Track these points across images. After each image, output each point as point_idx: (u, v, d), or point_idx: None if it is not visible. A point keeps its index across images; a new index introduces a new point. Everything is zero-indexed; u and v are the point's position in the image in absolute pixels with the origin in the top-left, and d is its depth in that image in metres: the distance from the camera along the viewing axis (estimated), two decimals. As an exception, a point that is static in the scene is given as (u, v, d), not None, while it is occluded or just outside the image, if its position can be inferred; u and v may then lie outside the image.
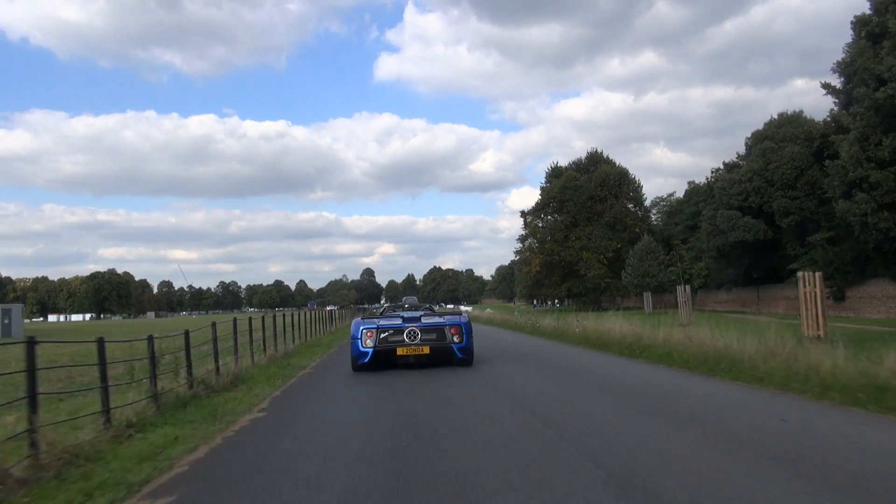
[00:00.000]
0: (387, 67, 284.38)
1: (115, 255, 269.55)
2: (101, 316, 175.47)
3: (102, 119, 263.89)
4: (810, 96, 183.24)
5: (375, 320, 14.11)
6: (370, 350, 13.15)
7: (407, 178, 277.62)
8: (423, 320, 13.90)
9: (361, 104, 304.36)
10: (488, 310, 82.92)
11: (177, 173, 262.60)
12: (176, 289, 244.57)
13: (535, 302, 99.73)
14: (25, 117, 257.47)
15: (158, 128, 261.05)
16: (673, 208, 66.31)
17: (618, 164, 68.12)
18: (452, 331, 13.42)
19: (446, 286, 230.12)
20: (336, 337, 31.20)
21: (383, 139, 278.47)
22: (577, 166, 69.88)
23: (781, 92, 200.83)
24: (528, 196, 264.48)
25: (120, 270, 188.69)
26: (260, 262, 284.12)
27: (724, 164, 52.83)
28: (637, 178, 66.74)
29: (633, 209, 65.89)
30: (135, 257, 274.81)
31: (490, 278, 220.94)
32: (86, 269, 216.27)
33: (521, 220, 73.50)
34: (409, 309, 16.61)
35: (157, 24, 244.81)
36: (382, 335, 13.33)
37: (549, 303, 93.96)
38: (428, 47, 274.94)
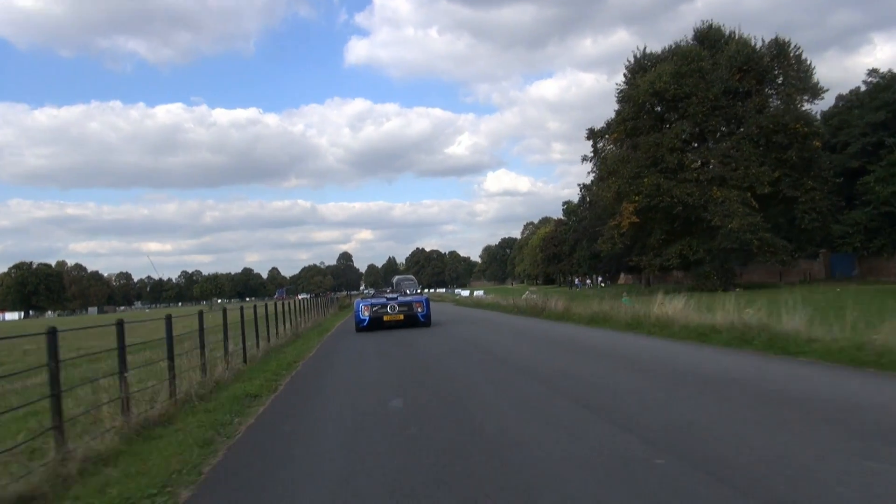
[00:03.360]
0: (357, 52, 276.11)
1: (87, 249, 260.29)
2: (30, 313, 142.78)
3: (66, 110, 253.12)
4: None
5: (370, 300, 21.45)
6: (367, 317, 20.35)
7: (382, 163, 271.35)
8: (399, 299, 21.37)
9: (333, 90, 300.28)
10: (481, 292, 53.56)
11: (146, 164, 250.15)
12: (135, 281, 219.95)
13: (576, 282, 69.77)
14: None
15: (125, 118, 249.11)
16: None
17: (755, 41, 38.14)
18: (417, 306, 20.94)
19: (431, 269, 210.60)
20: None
21: (356, 124, 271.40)
22: (678, 53, 39.96)
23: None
24: (505, 178, 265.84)
25: (92, 265, 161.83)
26: (236, 252, 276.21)
27: None
28: (803, 54, 37.00)
29: (801, 108, 36.25)
30: (107, 251, 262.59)
31: (479, 259, 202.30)
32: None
33: (590, 147, 43.71)
34: (396, 290, 24.20)
35: (119, 10, 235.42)
36: (374, 308, 20.59)
37: (601, 280, 64.67)
38: (398, 30, 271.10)
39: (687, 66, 36.77)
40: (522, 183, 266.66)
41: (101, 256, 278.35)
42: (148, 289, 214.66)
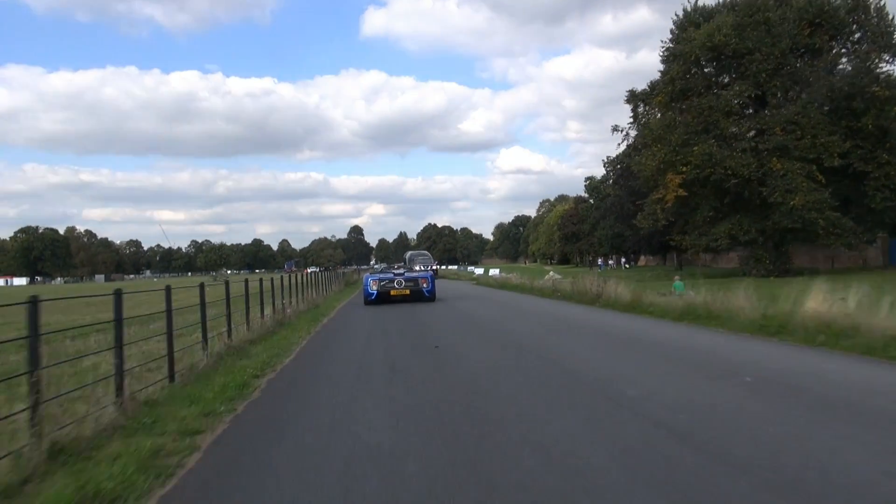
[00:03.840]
0: (374, 23, 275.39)
1: (101, 216, 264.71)
2: (36, 279, 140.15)
3: (81, 75, 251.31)
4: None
5: (378, 275, 22.27)
6: (375, 291, 20.94)
7: (395, 137, 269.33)
8: (406, 275, 22.43)
9: (348, 61, 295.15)
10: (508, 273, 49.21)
11: (161, 132, 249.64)
12: (145, 249, 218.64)
13: (599, 262, 65.42)
14: (1, 73, 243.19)
15: (140, 84, 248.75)
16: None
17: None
18: (423, 282, 21.81)
19: (442, 245, 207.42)
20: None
21: (371, 97, 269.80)
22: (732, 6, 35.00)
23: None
24: (519, 156, 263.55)
25: (105, 232, 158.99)
26: (248, 224, 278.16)
27: None
28: (886, 6, 31.89)
29: (881, 68, 31.33)
30: (121, 218, 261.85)
31: (492, 237, 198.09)
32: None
33: (630, 112, 39.12)
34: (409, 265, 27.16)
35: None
36: (382, 283, 21.31)
37: (624, 261, 60.26)
38: (416, 1, 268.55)
39: (750, 18, 31.85)
40: (536, 161, 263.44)
41: (115, 224, 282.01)
42: (158, 258, 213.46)
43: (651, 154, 34.52)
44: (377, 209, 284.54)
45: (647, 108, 38.00)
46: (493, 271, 56.82)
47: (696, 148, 32.26)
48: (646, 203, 36.22)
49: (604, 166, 74.46)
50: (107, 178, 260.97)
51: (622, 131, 44.33)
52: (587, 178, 72.26)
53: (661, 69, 36.90)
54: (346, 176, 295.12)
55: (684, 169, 32.59)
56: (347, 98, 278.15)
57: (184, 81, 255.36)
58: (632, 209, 45.61)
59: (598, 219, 70.52)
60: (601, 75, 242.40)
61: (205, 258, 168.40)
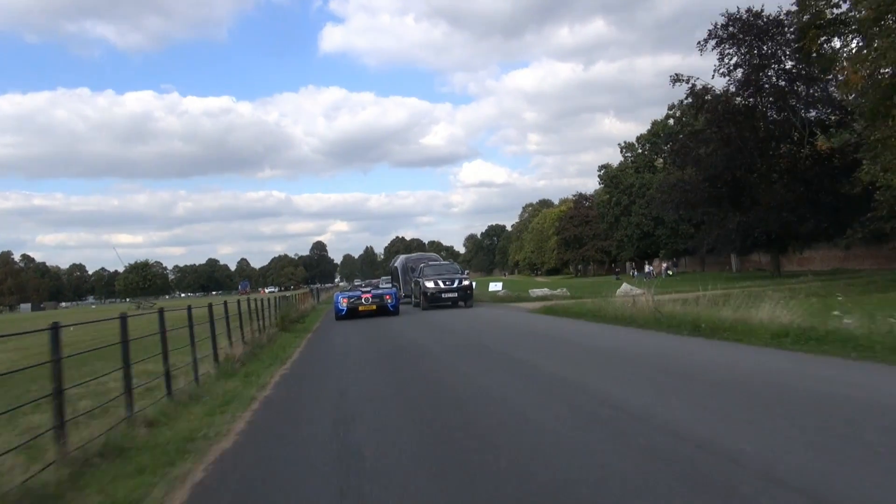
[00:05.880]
0: (332, 39, 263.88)
1: (55, 242, 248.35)
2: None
3: (31, 97, 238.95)
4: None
5: (347, 293, 23.23)
6: (345, 308, 21.87)
7: (357, 153, 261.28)
8: (373, 292, 23.06)
9: (307, 78, 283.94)
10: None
11: (116, 154, 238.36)
12: (90, 273, 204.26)
13: (647, 268, 52.21)
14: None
15: (93, 106, 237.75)
16: None
17: None
18: (387, 297, 22.42)
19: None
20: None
21: (331, 114, 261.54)
22: None
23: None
24: (481, 169, 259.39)
25: (60, 258, 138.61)
26: (209, 245, 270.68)
27: None
28: None
29: None
30: (76, 243, 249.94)
31: (464, 248, 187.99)
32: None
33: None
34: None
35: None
36: (351, 300, 22.10)
37: (665, 267, 47.38)
38: (374, 17, 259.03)
39: None
40: (498, 174, 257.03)
41: (70, 249, 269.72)
42: (104, 282, 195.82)
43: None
44: (341, 226, 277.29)
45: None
46: (495, 286, 43.35)
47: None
48: (863, 145, 22.39)
49: (621, 152, 62.40)
50: (61, 203, 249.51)
51: (686, 81, 32.17)
52: (601, 167, 59.40)
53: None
54: (309, 193, 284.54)
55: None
56: (307, 115, 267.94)
57: (139, 102, 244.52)
58: (708, 190, 32.87)
59: (615, 213, 57.76)
60: (560, 87, 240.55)
61: (124, 280, 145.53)
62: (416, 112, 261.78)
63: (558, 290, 24.58)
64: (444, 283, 23.72)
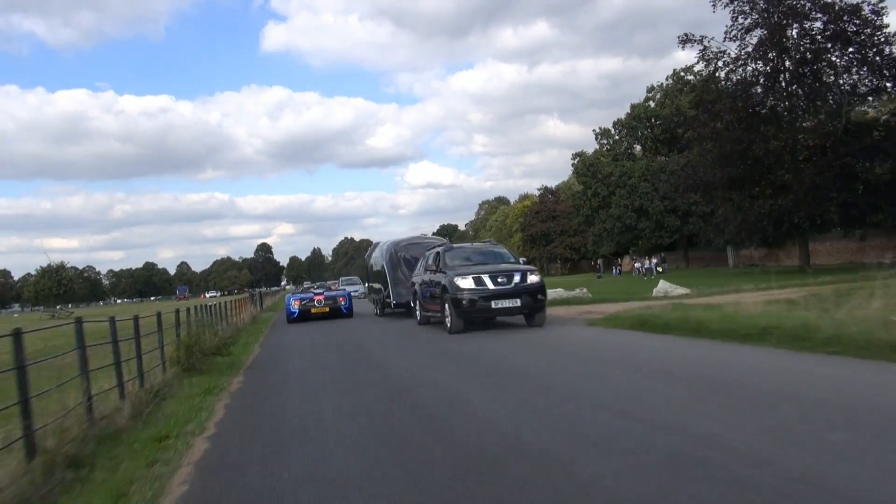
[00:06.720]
0: (274, 38, 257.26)
1: None
2: None
3: None
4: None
5: (299, 295, 22.90)
6: (297, 310, 21.38)
7: (302, 154, 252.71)
8: (326, 294, 22.78)
9: (250, 77, 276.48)
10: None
11: (48, 154, 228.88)
12: (15, 280, 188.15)
13: (650, 263, 47.27)
14: None
15: (23, 104, 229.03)
16: None
17: None
18: (340, 299, 21.92)
19: (361, 261, 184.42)
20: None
21: (275, 114, 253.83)
22: None
23: (665, 64, 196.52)
24: (428, 170, 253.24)
25: None
26: (149, 248, 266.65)
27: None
28: None
29: None
30: (6, 248, 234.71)
31: None
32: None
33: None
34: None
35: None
36: (303, 302, 21.68)
37: (655, 262, 42.57)
38: (317, 16, 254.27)
39: None
40: (445, 175, 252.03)
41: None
42: (34, 289, 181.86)
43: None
44: (286, 228, 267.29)
45: None
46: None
47: None
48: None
49: (596, 139, 57.51)
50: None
51: (700, 42, 27.52)
52: (575, 155, 54.01)
53: None
54: (253, 195, 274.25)
55: None
56: (250, 115, 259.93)
57: (71, 100, 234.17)
58: (726, 171, 27.89)
59: (596, 200, 52.89)
60: (504, 89, 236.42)
61: (34, 287, 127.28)
62: (361, 112, 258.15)
63: (576, 290, 18.96)
64: (495, 280, 12.95)
